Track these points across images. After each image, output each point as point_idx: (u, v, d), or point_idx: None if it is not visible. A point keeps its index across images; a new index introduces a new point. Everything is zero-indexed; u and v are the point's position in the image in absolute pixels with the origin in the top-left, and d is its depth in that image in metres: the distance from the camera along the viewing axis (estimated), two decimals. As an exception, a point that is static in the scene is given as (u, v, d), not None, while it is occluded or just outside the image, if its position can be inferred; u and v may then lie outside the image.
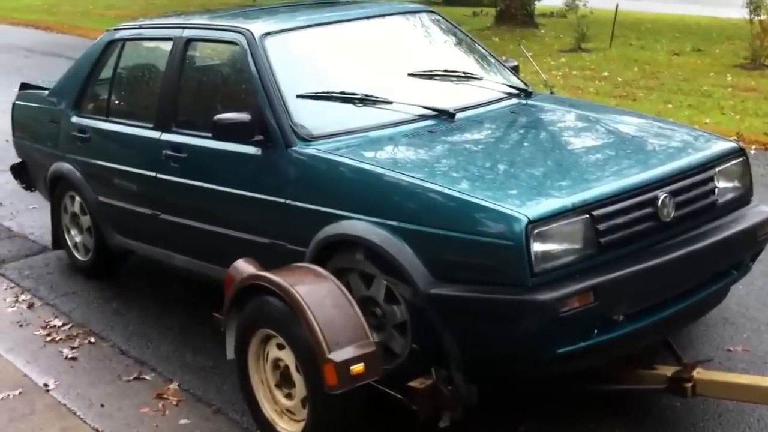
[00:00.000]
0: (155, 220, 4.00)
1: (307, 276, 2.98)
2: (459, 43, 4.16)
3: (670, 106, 8.17)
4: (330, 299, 2.87)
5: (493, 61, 4.12)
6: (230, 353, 3.17)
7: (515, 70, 4.17)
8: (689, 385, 2.99)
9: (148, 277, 4.67)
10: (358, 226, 3.02)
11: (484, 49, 4.19)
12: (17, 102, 5.10)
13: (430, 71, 3.72)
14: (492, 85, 3.83)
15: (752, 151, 6.42)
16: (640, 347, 3.09)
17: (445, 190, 2.87)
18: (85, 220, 4.56)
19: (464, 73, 3.81)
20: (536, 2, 14.06)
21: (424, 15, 4.18)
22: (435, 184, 2.91)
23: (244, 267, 3.15)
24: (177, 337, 3.99)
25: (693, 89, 8.89)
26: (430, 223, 2.85)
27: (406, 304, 2.95)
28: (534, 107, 3.78)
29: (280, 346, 3.01)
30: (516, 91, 3.88)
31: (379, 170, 3.06)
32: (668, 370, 3.07)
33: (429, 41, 4.11)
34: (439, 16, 4.23)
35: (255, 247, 3.42)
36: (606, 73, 9.84)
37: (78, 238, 4.70)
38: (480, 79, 3.83)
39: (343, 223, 3.07)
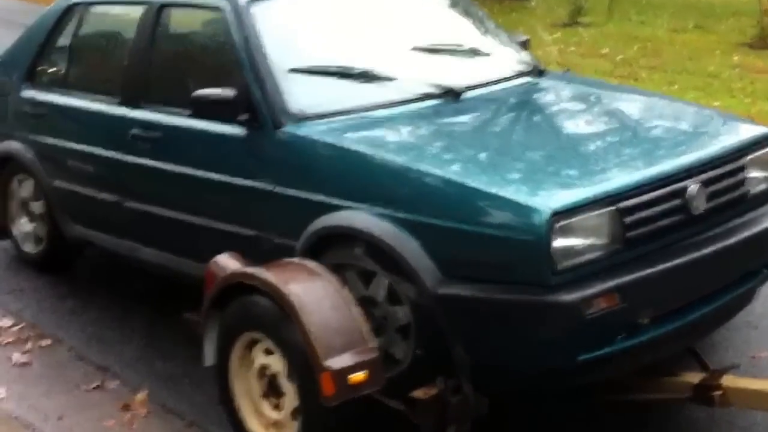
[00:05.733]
0: (120, 209, 3.90)
1: (300, 273, 2.92)
2: (466, 14, 4.11)
3: (675, 87, 8.22)
4: (327, 300, 2.82)
5: (502, 35, 4.08)
6: (209, 359, 3.10)
7: (525, 45, 4.14)
8: (718, 393, 2.98)
9: (107, 272, 4.57)
10: (358, 217, 2.96)
11: (492, 22, 4.14)
12: None
13: (435, 45, 3.67)
14: (502, 62, 3.79)
15: (767, 138, 6.47)
16: (666, 354, 3.08)
17: (457, 179, 2.83)
18: (37, 207, 4.44)
19: (472, 48, 3.76)
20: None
21: None
22: (445, 171, 2.87)
23: (227, 262, 3.08)
24: (142, 341, 3.90)
25: (698, 69, 8.95)
26: (441, 215, 2.81)
27: (411, 305, 2.90)
28: (549, 87, 3.75)
29: (268, 352, 2.95)
30: (528, 69, 3.85)
31: (382, 155, 3.01)
32: (694, 378, 3.07)
33: (434, 12, 4.05)
34: None
35: (237, 240, 3.35)
36: (605, 50, 9.88)
37: (27, 228, 4.57)
38: (489, 55, 3.79)
39: (340, 214, 3.02)
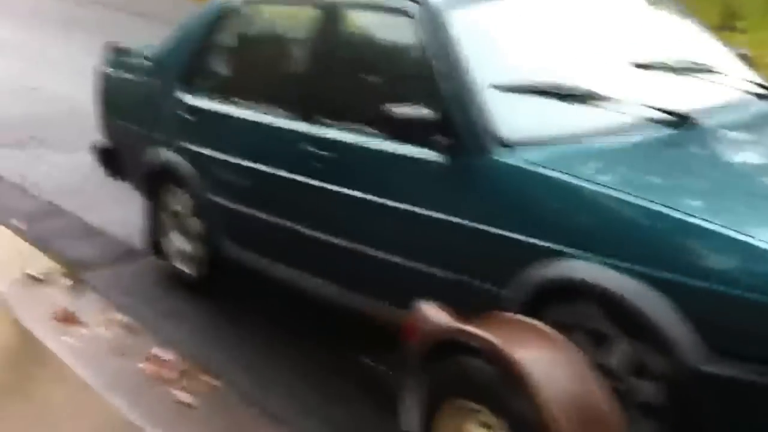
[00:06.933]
0: (293, 235, 3.60)
1: (527, 334, 2.54)
2: (688, 27, 3.68)
3: None
4: (562, 368, 2.43)
5: (726, 49, 3.62)
6: (409, 425, 2.75)
7: (745, 59, 3.66)
8: None
9: (272, 299, 4.15)
10: (593, 269, 2.58)
11: (712, 33, 3.69)
12: (107, 70, 4.67)
13: (662, 62, 3.25)
14: (737, 81, 3.34)
15: None
16: None
17: (725, 231, 2.40)
18: (193, 223, 4.17)
19: (702, 65, 3.32)
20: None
21: None
22: (706, 220, 2.45)
23: (434, 314, 2.71)
24: (317, 383, 3.51)
25: None
26: (705, 275, 2.40)
27: (661, 381, 2.50)
28: None
29: (485, 425, 2.58)
30: (764, 90, 3.39)
31: (620, 195, 2.61)
32: None
33: (653, 21, 3.63)
34: None
35: (432, 282, 3.01)
36: (769, 59, 9.15)
37: (182, 245, 4.29)
38: (721, 73, 3.34)
39: (569, 264, 2.64)
